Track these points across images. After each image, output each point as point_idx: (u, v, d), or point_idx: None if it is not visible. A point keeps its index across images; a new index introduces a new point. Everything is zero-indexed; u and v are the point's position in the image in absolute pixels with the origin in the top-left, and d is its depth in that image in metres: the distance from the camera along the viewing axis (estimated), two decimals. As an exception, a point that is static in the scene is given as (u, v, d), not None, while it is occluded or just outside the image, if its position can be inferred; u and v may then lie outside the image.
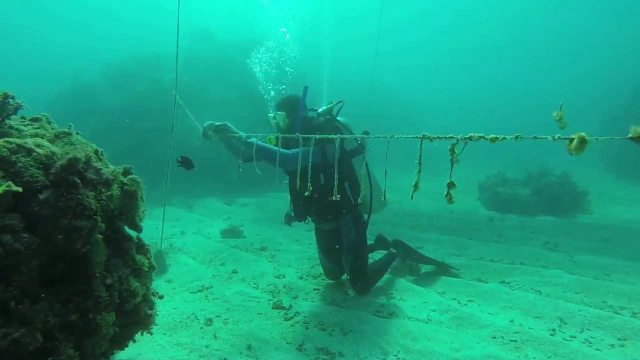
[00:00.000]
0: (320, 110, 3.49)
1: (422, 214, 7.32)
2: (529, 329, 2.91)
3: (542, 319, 3.07)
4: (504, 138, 1.22)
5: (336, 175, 1.96)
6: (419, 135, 1.43)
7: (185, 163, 3.02)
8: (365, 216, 3.59)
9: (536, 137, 1.18)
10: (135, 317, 1.99)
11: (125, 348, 2.10)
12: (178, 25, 3.31)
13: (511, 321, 3.07)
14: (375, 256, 4.17)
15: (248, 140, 2.97)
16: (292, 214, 3.68)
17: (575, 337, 2.80)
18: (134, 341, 2.12)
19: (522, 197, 7.73)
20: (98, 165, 1.71)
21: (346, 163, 3.40)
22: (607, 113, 13.73)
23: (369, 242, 3.76)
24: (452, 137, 1.33)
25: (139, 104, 10.11)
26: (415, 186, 1.41)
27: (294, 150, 3.09)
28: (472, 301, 3.46)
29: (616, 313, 3.10)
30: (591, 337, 2.79)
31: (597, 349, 2.64)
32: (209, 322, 3.03)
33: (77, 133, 1.90)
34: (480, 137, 1.24)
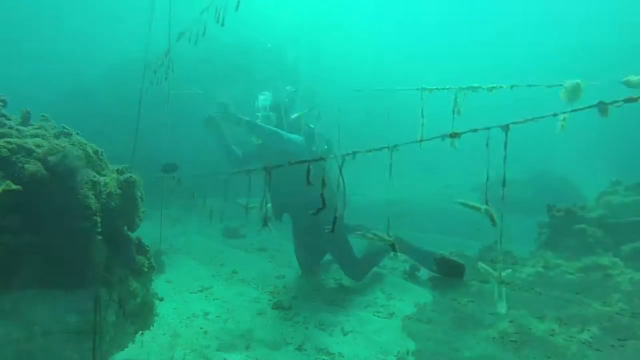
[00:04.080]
0: (293, 116, 4.02)
1: (422, 214, 7.31)
2: (529, 329, 2.91)
3: (542, 319, 3.06)
4: (500, 87, 1.34)
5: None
6: (418, 88, 1.57)
7: (170, 168, 3.09)
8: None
9: (531, 85, 1.29)
10: (134, 318, 1.99)
11: (125, 348, 2.10)
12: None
13: (511, 321, 3.06)
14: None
15: (248, 120, 3.54)
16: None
17: (575, 337, 2.80)
18: (134, 341, 2.12)
19: (522, 197, 7.71)
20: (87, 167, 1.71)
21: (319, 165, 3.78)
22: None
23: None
24: (449, 88, 1.46)
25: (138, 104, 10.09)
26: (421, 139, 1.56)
27: (296, 136, 3.54)
28: (472, 301, 3.46)
29: (616, 313, 3.10)
30: (591, 337, 2.78)
31: (597, 349, 2.64)
32: (208, 322, 3.03)
33: (77, 133, 1.90)
34: (478, 87, 1.34)
